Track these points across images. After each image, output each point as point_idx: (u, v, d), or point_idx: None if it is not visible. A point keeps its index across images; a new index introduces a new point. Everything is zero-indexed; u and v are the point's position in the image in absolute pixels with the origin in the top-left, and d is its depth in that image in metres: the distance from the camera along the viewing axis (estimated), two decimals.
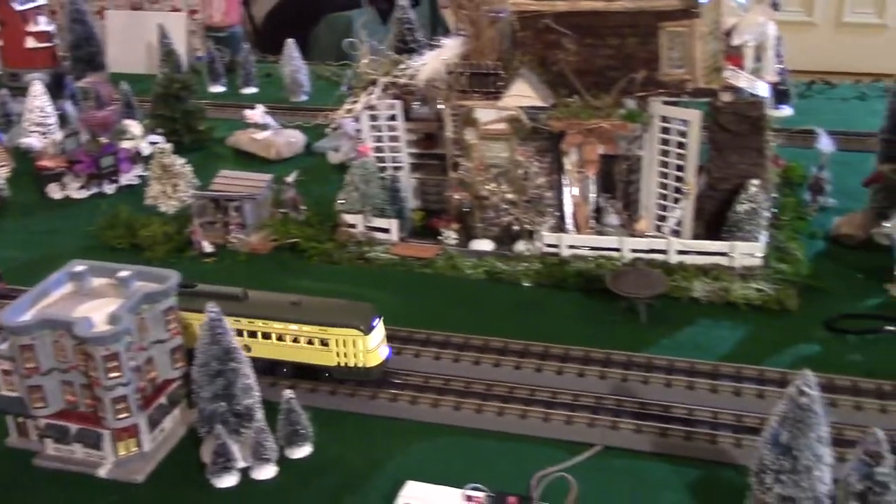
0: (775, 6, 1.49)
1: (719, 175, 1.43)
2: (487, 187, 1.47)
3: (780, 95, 2.06)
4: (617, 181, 1.50)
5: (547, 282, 1.44)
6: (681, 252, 1.42)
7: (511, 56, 1.47)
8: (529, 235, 1.49)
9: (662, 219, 1.46)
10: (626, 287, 1.33)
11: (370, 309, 1.20)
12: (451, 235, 1.53)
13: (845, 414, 1.09)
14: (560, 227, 1.49)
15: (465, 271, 1.47)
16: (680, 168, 1.42)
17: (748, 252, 1.38)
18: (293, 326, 1.19)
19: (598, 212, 1.52)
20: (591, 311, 1.37)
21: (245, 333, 1.21)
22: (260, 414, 1.08)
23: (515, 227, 1.49)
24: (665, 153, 1.43)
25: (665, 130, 1.42)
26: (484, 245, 1.52)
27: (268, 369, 1.21)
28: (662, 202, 1.46)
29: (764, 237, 1.40)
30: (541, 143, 1.47)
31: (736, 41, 1.44)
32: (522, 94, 1.45)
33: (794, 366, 1.19)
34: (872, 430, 0.88)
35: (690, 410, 1.12)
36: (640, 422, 1.10)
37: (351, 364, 1.19)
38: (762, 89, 1.41)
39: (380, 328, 1.20)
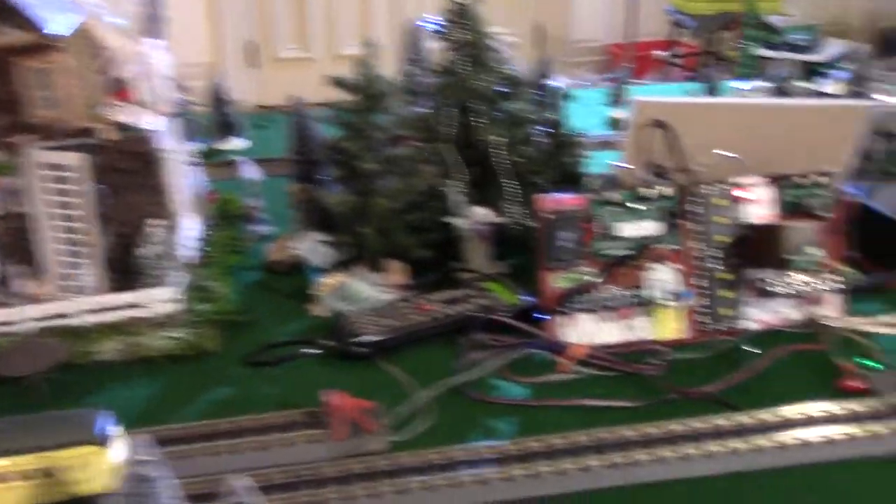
0: (153, 33, 1.40)
1: (121, 219, 1.29)
2: None
3: (230, 128, 2.02)
4: (16, 244, 1.30)
5: None
6: (91, 311, 1.26)
7: None
8: None
9: (71, 277, 1.29)
10: (16, 365, 1.14)
11: (97, 413, 0.89)
12: None
13: (270, 456, 1.01)
14: None
15: None
16: (77, 218, 1.26)
17: (160, 299, 1.26)
18: None
19: (4, 281, 1.30)
20: None
21: None
22: None
23: None
24: (57, 205, 1.26)
25: (51, 179, 1.25)
26: None
27: None
28: (68, 259, 1.29)
29: (179, 279, 1.30)
30: None
31: (121, 73, 1.33)
32: None
33: (208, 414, 1.09)
34: (227, 480, 0.79)
35: None
36: None
37: (90, 491, 0.86)
38: (152, 122, 1.30)
39: (121, 435, 0.89)
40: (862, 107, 1.32)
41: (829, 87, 1.74)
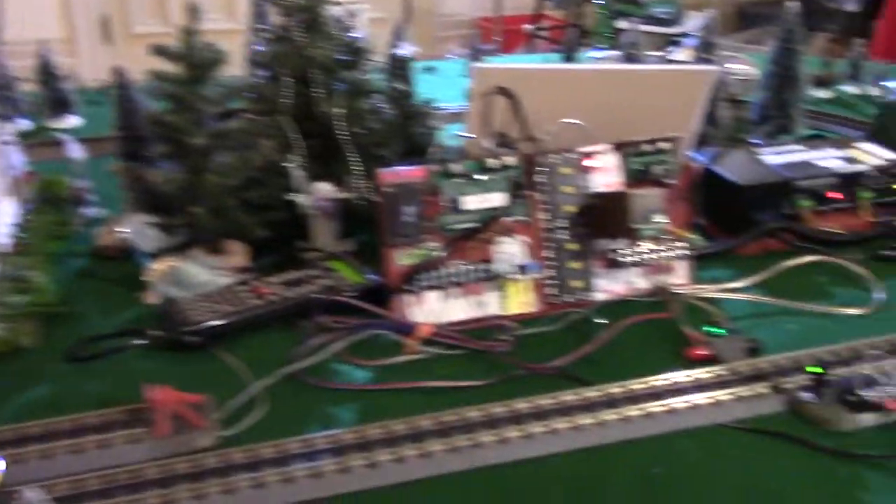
0: None
1: None
2: None
3: (63, 105, 1.88)
4: None
5: None
6: None
7: None
8: None
9: None
10: None
11: None
12: None
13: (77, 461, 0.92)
14: None
15: None
16: None
17: None
18: None
19: None
20: None
21: None
22: None
23: None
24: None
25: None
26: None
27: None
28: None
29: None
30: None
31: None
32: None
33: (21, 417, 0.98)
34: (21, 491, 0.71)
35: None
36: None
37: None
38: None
39: None
40: (707, 72, 1.31)
41: (678, 54, 1.74)
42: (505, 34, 4.94)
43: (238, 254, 1.28)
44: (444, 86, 2.09)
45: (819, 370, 0.98)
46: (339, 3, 1.33)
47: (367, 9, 1.46)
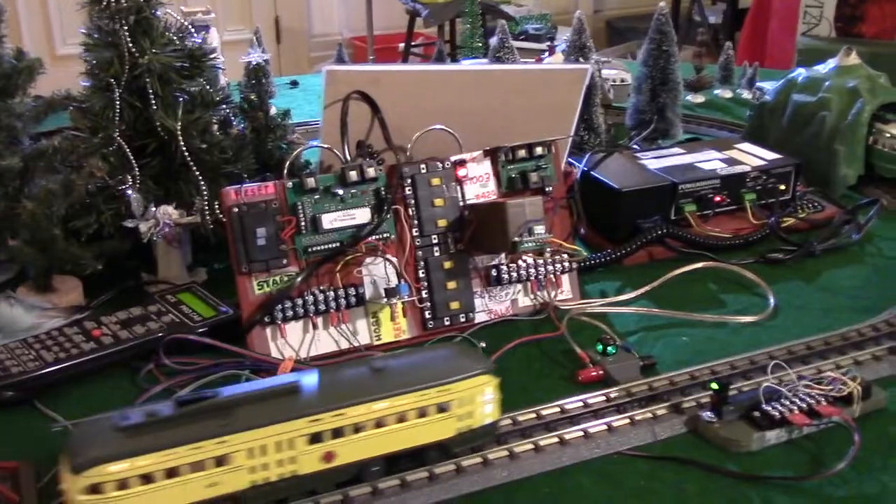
0: None
1: None
2: None
3: None
4: None
5: None
6: None
7: None
8: None
9: None
10: None
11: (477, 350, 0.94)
12: None
13: None
14: None
15: None
16: None
17: None
18: (403, 400, 0.72)
19: None
20: None
21: (328, 435, 0.67)
22: None
23: None
24: None
25: None
26: None
27: (355, 478, 0.70)
28: None
29: None
30: None
31: None
32: None
33: None
34: None
35: None
36: None
37: (476, 425, 0.78)
38: None
39: None
40: (580, 70, 1.23)
41: (549, 59, 1.67)
42: (378, 52, 4.86)
43: (69, 291, 1.12)
44: (309, 101, 1.97)
45: (718, 387, 0.89)
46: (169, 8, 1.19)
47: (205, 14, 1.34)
